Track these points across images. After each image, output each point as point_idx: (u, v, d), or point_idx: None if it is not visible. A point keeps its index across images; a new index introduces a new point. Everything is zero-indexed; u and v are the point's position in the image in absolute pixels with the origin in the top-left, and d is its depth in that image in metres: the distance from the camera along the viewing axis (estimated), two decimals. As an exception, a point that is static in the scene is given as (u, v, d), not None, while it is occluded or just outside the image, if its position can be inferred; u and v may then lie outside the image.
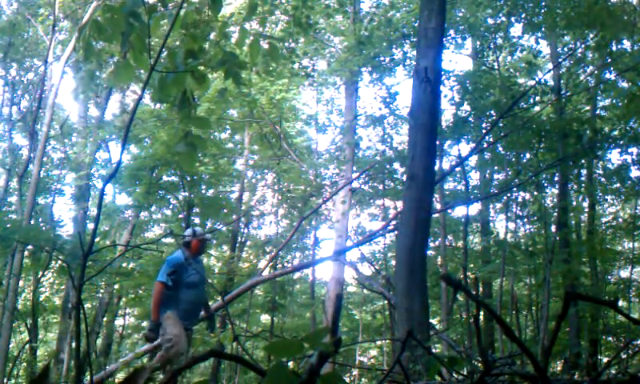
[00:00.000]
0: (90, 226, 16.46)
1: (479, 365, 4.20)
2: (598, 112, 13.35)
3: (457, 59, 57.41)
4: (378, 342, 20.71)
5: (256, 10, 6.39)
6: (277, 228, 20.01)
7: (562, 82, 13.20)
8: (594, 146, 11.94)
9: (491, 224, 17.85)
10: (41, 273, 16.09)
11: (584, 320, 13.36)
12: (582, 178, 14.49)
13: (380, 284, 12.33)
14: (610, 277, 15.65)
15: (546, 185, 13.71)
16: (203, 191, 17.24)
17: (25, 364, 16.01)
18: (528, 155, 13.02)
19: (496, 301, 13.86)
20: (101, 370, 10.20)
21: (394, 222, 11.61)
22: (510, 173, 13.59)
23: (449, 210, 15.97)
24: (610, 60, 11.85)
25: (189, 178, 15.98)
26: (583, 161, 13.16)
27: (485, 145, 12.64)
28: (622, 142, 11.96)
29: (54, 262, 15.51)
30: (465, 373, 4.08)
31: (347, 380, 15.14)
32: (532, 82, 13.39)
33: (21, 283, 15.03)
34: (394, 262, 12.96)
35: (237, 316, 16.78)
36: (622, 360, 6.06)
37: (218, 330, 9.06)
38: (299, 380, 1.70)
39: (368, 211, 18.91)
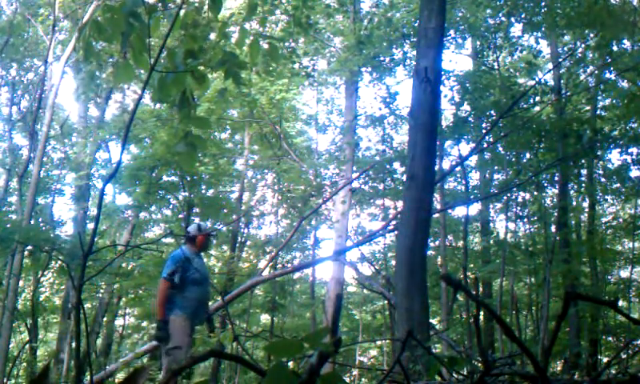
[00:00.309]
0: (90, 225, 16.46)
1: (479, 365, 4.20)
2: (598, 112, 13.32)
3: (457, 59, 57.38)
4: (378, 342, 20.71)
5: (256, 10, 6.39)
6: (277, 228, 20.01)
7: (562, 81, 13.20)
8: (593, 145, 11.94)
9: (491, 224, 17.86)
10: (41, 273, 16.12)
11: (584, 320, 13.36)
12: (582, 178, 14.47)
13: (380, 284, 12.32)
14: (609, 277, 15.64)
15: (546, 185, 13.70)
16: (203, 191, 17.24)
17: (25, 364, 16.03)
18: (528, 155, 13.01)
19: (496, 301, 13.84)
20: (101, 370, 10.22)
21: (393, 222, 11.59)
22: (509, 173, 13.58)
23: (449, 210, 15.96)
24: (610, 60, 11.85)
25: (189, 178, 15.98)
26: (583, 161, 13.16)
27: (485, 145, 12.64)
28: (621, 142, 11.96)
29: (53, 262, 15.54)
30: (465, 373, 4.08)
31: (347, 380, 15.14)
32: (532, 82, 13.39)
33: (21, 283, 15.03)
34: (394, 262, 12.95)
35: (237, 316, 16.79)
36: (622, 360, 6.06)
37: (217, 330, 9.05)
38: (299, 380, 1.69)
39: (368, 211, 18.87)
